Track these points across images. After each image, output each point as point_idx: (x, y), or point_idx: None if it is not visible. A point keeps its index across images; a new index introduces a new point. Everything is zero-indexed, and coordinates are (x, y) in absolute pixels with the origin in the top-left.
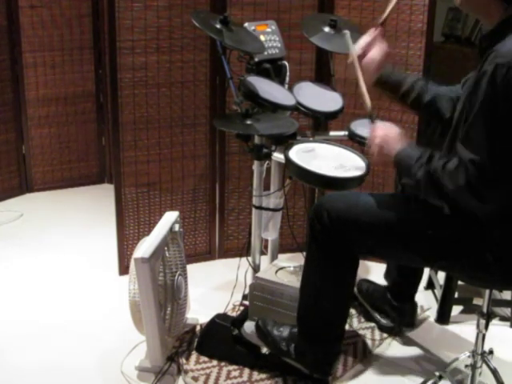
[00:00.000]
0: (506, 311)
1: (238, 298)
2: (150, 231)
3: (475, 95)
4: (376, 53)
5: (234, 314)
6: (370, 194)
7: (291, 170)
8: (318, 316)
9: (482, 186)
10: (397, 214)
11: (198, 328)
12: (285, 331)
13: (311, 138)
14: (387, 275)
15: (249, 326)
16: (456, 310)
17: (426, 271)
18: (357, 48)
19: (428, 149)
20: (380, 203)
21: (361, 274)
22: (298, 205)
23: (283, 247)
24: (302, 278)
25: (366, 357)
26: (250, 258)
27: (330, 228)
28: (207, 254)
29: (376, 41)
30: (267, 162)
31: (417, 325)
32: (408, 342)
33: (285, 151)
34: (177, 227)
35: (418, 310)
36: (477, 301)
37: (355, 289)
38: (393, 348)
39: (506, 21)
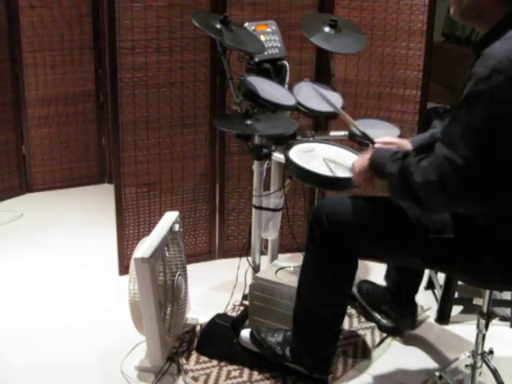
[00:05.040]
0: (506, 311)
1: (238, 297)
2: (149, 231)
3: (460, 96)
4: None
5: (234, 314)
6: (369, 197)
7: (291, 170)
8: (315, 317)
9: (454, 183)
10: (397, 218)
11: (198, 328)
12: (279, 336)
13: (311, 138)
14: (387, 277)
15: (245, 335)
16: (456, 310)
17: (426, 271)
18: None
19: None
20: (380, 207)
21: (361, 274)
22: (297, 205)
23: (283, 247)
24: (300, 279)
25: (366, 357)
26: (250, 258)
27: (329, 232)
28: (207, 254)
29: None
30: (267, 162)
31: (417, 325)
32: (408, 341)
33: (285, 151)
34: (177, 227)
35: (419, 310)
36: (477, 301)
37: (355, 290)
38: (393, 348)
39: (498, 24)
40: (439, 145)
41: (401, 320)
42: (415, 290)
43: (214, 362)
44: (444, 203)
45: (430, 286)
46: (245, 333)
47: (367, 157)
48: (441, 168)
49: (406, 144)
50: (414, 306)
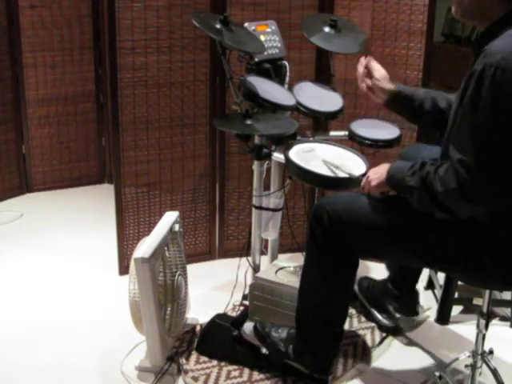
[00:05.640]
0: (506, 311)
1: (238, 297)
2: (149, 231)
3: (464, 95)
4: (378, 75)
5: (234, 314)
6: (370, 196)
7: (291, 170)
8: (317, 316)
9: (470, 187)
10: (397, 216)
11: (198, 328)
12: (283, 332)
13: (311, 138)
14: (389, 265)
15: (248, 327)
16: (456, 310)
17: (426, 270)
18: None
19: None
20: (380, 205)
21: (361, 273)
22: (298, 205)
23: (283, 247)
24: (301, 279)
25: (366, 357)
26: (250, 258)
27: (330, 230)
28: (207, 254)
29: (371, 66)
30: (267, 162)
31: (417, 325)
32: (408, 342)
33: (285, 151)
34: (177, 227)
35: (419, 311)
36: (477, 301)
37: (356, 286)
38: (393, 348)
39: (498, 21)
40: (452, 148)
41: (402, 308)
42: (416, 278)
43: (214, 362)
44: (467, 208)
45: (430, 285)
46: (248, 325)
47: (383, 171)
48: (458, 173)
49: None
50: (415, 293)
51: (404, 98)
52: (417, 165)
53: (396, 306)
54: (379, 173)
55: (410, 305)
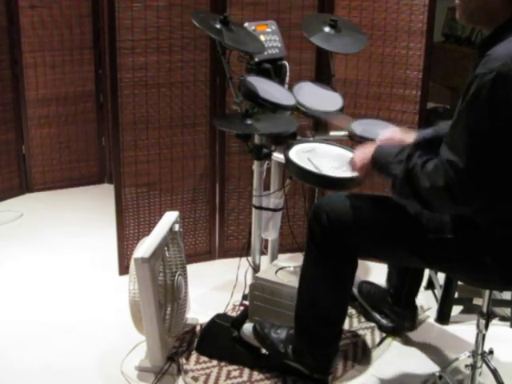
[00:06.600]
0: (506, 311)
1: (238, 297)
2: (150, 231)
3: (464, 98)
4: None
5: (234, 314)
6: (369, 196)
7: (291, 170)
8: (316, 316)
9: (457, 188)
10: (397, 216)
11: (198, 328)
12: (282, 333)
13: (311, 138)
14: (389, 280)
15: (247, 328)
16: (456, 310)
17: (426, 272)
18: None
19: (408, 146)
20: (380, 205)
21: (361, 274)
22: (297, 205)
23: (283, 247)
24: (300, 279)
25: (365, 357)
26: (250, 258)
27: (329, 230)
28: (207, 254)
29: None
30: (267, 161)
31: (416, 327)
32: (408, 342)
33: (285, 151)
34: (177, 227)
35: (419, 311)
36: (477, 301)
37: (356, 290)
38: (393, 348)
39: (503, 25)
40: (444, 148)
41: (400, 322)
42: (415, 292)
43: (214, 362)
44: (450, 207)
45: (430, 285)
46: (247, 326)
47: (369, 153)
48: (446, 173)
49: (410, 138)
50: (414, 308)
51: (429, 141)
52: (403, 154)
53: (394, 318)
54: (364, 153)
55: (408, 320)
